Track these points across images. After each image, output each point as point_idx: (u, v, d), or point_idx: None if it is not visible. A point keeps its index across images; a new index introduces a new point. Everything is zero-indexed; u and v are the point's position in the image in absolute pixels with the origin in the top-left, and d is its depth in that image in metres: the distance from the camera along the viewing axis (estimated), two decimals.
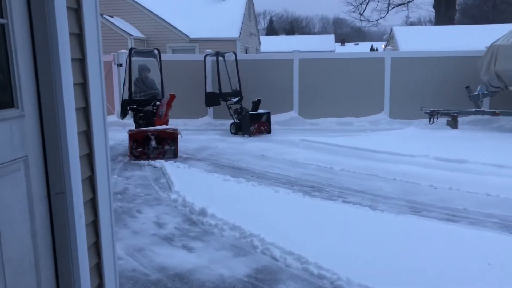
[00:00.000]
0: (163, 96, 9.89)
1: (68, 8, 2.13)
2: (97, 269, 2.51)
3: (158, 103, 9.37)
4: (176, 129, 8.64)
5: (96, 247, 2.49)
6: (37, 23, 2.00)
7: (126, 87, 9.80)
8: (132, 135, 8.54)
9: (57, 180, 2.15)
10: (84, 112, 2.34)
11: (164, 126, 8.81)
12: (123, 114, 10.03)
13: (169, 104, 9.05)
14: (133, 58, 9.86)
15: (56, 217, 2.18)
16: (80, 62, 2.29)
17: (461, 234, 4.51)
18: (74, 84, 2.19)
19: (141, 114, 9.41)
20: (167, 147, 8.66)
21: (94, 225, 2.47)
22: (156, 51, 10.53)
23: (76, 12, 2.23)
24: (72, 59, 2.16)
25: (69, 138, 2.14)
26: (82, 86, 2.31)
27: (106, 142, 2.55)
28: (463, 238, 4.37)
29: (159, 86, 10.08)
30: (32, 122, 2.04)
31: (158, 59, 10.40)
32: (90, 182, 2.42)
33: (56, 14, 2.00)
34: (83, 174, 2.30)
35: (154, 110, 9.26)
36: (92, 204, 2.45)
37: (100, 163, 2.47)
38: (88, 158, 2.41)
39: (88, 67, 2.32)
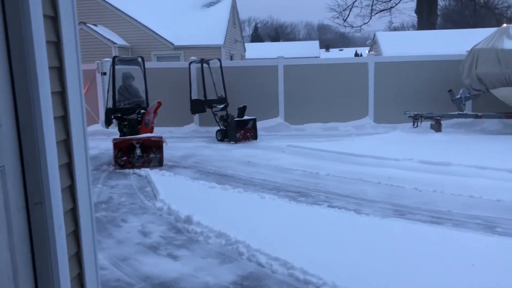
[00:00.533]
0: (147, 104, 9.84)
1: (45, 16, 2.11)
2: (79, 280, 2.48)
3: (142, 111, 9.31)
4: (161, 137, 8.59)
5: (77, 258, 2.45)
6: (13, 31, 1.98)
7: (111, 95, 9.74)
8: (116, 144, 8.45)
9: (36, 190, 2.11)
10: (63, 120, 2.31)
11: (149, 134, 8.74)
12: (108, 123, 9.93)
13: (155, 112, 9.01)
14: (116, 67, 9.78)
15: (35, 228, 2.14)
16: (58, 71, 2.26)
17: (445, 236, 4.55)
18: (52, 93, 2.16)
19: (126, 123, 9.33)
20: (152, 155, 8.60)
21: (75, 235, 2.43)
22: (139, 59, 10.49)
23: (53, 20, 2.21)
24: (50, 68, 2.14)
25: (48, 147, 2.11)
26: (61, 95, 2.29)
27: (86, 150, 2.52)
28: (447, 240, 4.41)
29: (143, 94, 10.03)
30: (9, 131, 2.00)
31: (142, 67, 10.34)
32: (70, 191, 2.39)
33: (32, 22, 1.98)
34: (62, 183, 2.27)
35: (139, 118, 9.20)
36: (73, 214, 2.41)
37: (80, 172, 2.44)
38: (68, 167, 2.37)
39: (66, 76, 2.29)
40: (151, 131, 9.01)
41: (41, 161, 2.10)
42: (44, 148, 2.09)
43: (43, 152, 2.09)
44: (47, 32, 2.11)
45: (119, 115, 9.53)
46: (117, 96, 9.55)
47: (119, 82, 9.72)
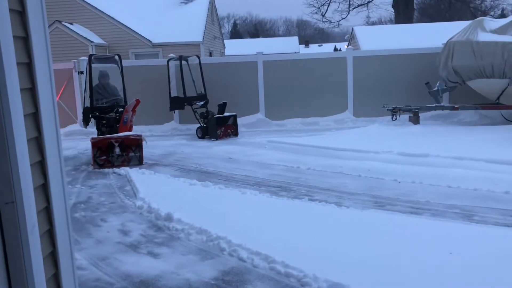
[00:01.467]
0: (126, 103, 9.71)
1: (12, 10, 2.05)
2: (55, 280, 2.43)
3: (121, 109, 9.19)
4: (140, 135, 8.51)
5: (52, 257, 2.40)
6: None
7: (88, 94, 9.59)
8: (95, 143, 8.32)
9: (7, 189, 2.06)
10: (34, 118, 2.26)
11: (128, 133, 8.64)
12: (86, 122, 9.79)
13: (133, 110, 8.89)
14: (93, 65, 9.65)
15: (7, 228, 2.09)
16: (28, 66, 2.20)
17: (424, 226, 4.61)
18: (21, 90, 2.11)
19: (104, 122, 9.17)
20: (131, 154, 8.52)
21: (49, 235, 2.38)
22: (116, 57, 10.35)
23: (20, 14, 2.15)
24: (18, 63, 2.08)
25: (18, 145, 2.05)
26: (31, 91, 2.23)
27: (60, 148, 2.47)
28: (426, 230, 4.47)
29: (121, 93, 9.90)
30: None
31: (119, 65, 10.22)
32: (44, 190, 2.34)
33: None
34: (35, 182, 2.21)
35: (117, 117, 9.06)
36: (47, 213, 2.36)
37: (53, 170, 2.38)
38: (41, 166, 2.32)
39: (36, 72, 2.24)
40: (130, 130, 8.90)
41: (11, 159, 2.04)
42: (14, 146, 2.03)
43: (13, 150, 2.04)
44: (14, 27, 2.05)
45: (97, 114, 9.37)
46: (94, 95, 9.41)
47: (95, 81, 9.58)
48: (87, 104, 9.58)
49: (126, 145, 8.48)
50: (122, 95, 9.89)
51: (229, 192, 6.23)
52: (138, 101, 8.78)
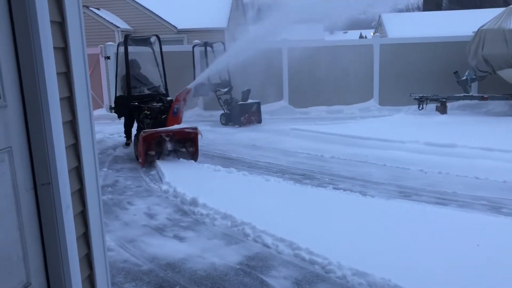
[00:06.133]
0: (166, 91, 8.85)
1: None
2: (87, 260, 2.50)
3: (169, 98, 8.19)
4: (196, 128, 7.44)
5: (85, 238, 2.47)
6: (17, 11, 1.96)
7: (120, 81, 8.65)
8: (146, 138, 7.13)
9: (43, 170, 2.12)
10: (69, 101, 2.31)
11: (181, 126, 7.53)
12: (120, 113, 8.69)
13: (184, 99, 7.82)
14: (120, 49, 8.77)
15: (43, 208, 2.16)
16: (63, 51, 2.25)
17: (450, 217, 4.55)
18: (58, 73, 2.15)
19: (148, 112, 7.96)
20: (183, 149, 7.44)
21: (82, 216, 2.44)
22: (154, 38, 9.19)
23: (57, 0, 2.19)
24: (55, 48, 2.12)
25: (54, 128, 2.11)
26: (66, 75, 2.28)
27: (93, 132, 2.52)
28: (452, 221, 4.41)
29: (156, 80, 8.95)
30: (15, 112, 2.00)
31: (159, 47, 9.17)
32: (77, 172, 2.40)
33: (36, 1, 1.96)
34: (69, 164, 2.27)
35: (162, 107, 7.91)
36: (80, 194, 2.42)
37: (86, 153, 2.44)
38: (75, 149, 2.37)
39: (71, 56, 2.28)
40: (180, 122, 7.73)
41: (47, 142, 2.10)
42: (50, 129, 2.09)
43: (50, 133, 2.09)
44: (51, 12, 2.09)
45: (136, 103, 8.27)
46: (123, 84, 8.49)
47: (122, 70, 8.61)
48: (121, 92, 8.59)
49: (178, 140, 7.41)
50: (161, 82, 8.91)
51: (253, 179, 6.26)
52: (189, 90, 7.82)
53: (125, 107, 8.39)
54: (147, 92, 8.57)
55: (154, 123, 7.81)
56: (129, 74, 8.29)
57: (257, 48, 9.14)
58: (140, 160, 7.31)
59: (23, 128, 2.06)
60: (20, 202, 2.03)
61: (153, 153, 7.26)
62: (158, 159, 7.24)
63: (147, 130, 7.42)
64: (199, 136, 7.45)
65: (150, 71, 9.04)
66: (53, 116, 2.09)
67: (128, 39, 8.43)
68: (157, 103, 8.09)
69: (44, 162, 2.12)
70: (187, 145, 7.41)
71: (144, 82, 8.73)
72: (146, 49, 9.36)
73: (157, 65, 9.18)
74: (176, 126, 7.45)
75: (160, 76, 9.12)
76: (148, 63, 9.14)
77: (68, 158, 2.26)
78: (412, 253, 3.69)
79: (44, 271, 2.21)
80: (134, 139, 8.10)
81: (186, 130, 7.39)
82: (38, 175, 2.13)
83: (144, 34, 13.94)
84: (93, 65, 13.32)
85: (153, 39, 9.24)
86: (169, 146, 7.30)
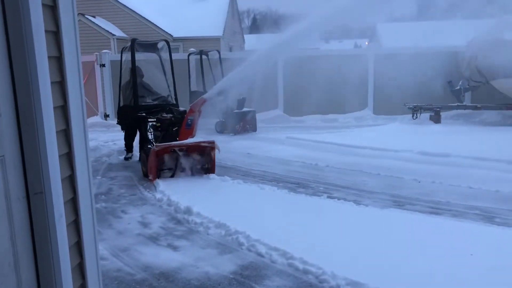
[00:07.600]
0: (176, 101, 8.21)
1: (44, 5, 2.09)
2: (80, 269, 2.48)
3: (183, 108, 7.67)
4: (213, 142, 6.83)
5: (78, 247, 2.46)
6: (11, 20, 1.96)
7: (124, 90, 8.13)
8: (158, 152, 6.56)
9: (36, 179, 2.11)
10: (63, 110, 2.31)
11: (197, 139, 6.99)
12: (124, 125, 8.15)
13: (199, 110, 7.23)
14: (124, 57, 8.21)
15: (36, 217, 2.14)
16: (57, 60, 2.25)
17: (444, 226, 4.56)
18: (52, 83, 2.15)
19: (158, 124, 7.40)
20: (198, 165, 6.84)
21: (75, 225, 2.43)
22: (162, 43, 8.53)
23: (52, 9, 2.19)
24: (49, 57, 2.12)
25: (47, 137, 2.10)
26: (60, 84, 2.28)
27: (86, 140, 2.52)
28: (446, 230, 4.43)
29: (162, 90, 8.38)
30: (8, 121, 2.00)
31: (168, 53, 8.46)
32: (71, 181, 2.39)
33: (31, 11, 1.96)
34: (62, 173, 2.26)
35: (173, 119, 7.33)
36: (73, 203, 2.42)
37: (80, 162, 2.43)
38: (68, 157, 2.37)
39: (65, 65, 2.28)
40: (194, 135, 7.10)
41: (41, 150, 2.09)
42: (44, 137, 2.09)
43: (43, 141, 2.09)
44: (46, 21, 2.10)
45: (144, 114, 7.68)
46: (127, 93, 7.92)
47: (126, 78, 8.19)
48: (126, 102, 7.93)
49: (193, 154, 6.80)
50: (170, 91, 8.30)
51: (247, 187, 6.25)
52: (204, 100, 7.24)
53: (130, 118, 7.83)
54: (158, 100, 8.04)
55: (164, 136, 7.24)
56: (136, 82, 7.72)
57: (278, 57, 8.69)
58: (150, 177, 6.65)
59: (16, 137, 2.06)
60: (12, 211, 2.02)
61: (166, 170, 6.68)
62: (172, 176, 6.65)
63: (159, 144, 6.87)
64: (216, 151, 6.84)
65: (154, 80, 8.54)
66: (46, 125, 2.09)
67: (135, 44, 7.80)
68: (167, 113, 7.53)
69: (37, 171, 2.11)
70: (202, 160, 6.84)
71: (150, 90, 8.27)
72: (150, 55, 8.75)
73: (164, 73, 8.57)
74: (190, 140, 6.89)
75: (169, 86, 8.49)
76: (151, 70, 8.62)
77: (62, 167, 2.25)
78: (406, 262, 3.69)
79: (36, 281, 2.19)
80: (141, 154, 7.59)
81: (202, 144, 6.81)
82: (31, 184, 2.12)
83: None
84: (88, 73, 13.31)
85: (160, 44, 8.62)
86: (183, 161, 6.70)
